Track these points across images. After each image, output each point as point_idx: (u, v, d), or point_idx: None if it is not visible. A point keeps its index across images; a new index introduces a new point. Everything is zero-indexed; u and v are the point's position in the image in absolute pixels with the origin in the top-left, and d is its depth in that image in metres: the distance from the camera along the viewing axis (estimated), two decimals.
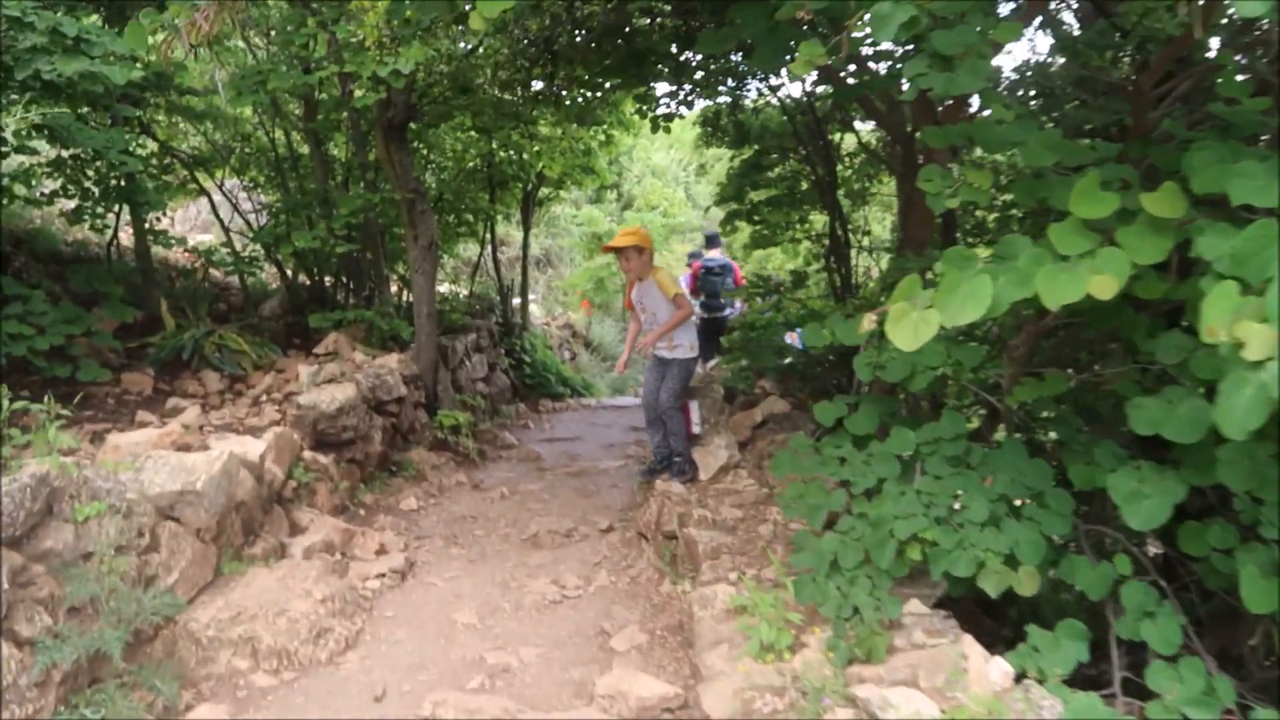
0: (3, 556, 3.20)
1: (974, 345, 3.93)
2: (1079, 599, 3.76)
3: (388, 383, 6.99)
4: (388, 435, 6.93)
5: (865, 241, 8.26)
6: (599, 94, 8.68)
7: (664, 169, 27.26)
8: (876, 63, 5.40)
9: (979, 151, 4.54)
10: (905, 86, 3.05)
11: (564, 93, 8.30)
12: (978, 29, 2.91)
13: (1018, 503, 3.45)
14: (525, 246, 12.33)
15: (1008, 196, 5.71)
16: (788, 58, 3.24)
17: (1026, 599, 3.33)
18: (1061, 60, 5.92)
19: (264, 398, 6.59)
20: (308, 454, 5.93)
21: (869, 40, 3.68)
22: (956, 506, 3.38)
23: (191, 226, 14.28)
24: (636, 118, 11.11)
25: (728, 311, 10.20)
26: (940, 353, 3.73)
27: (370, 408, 6.71)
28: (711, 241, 10.07)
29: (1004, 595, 3.25)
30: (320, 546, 5.13)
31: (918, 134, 5.49)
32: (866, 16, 2.76)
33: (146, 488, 4.17)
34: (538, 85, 8.50)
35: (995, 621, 4.61)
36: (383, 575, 4.94)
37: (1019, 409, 3.99)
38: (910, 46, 4.12)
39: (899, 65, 4.97)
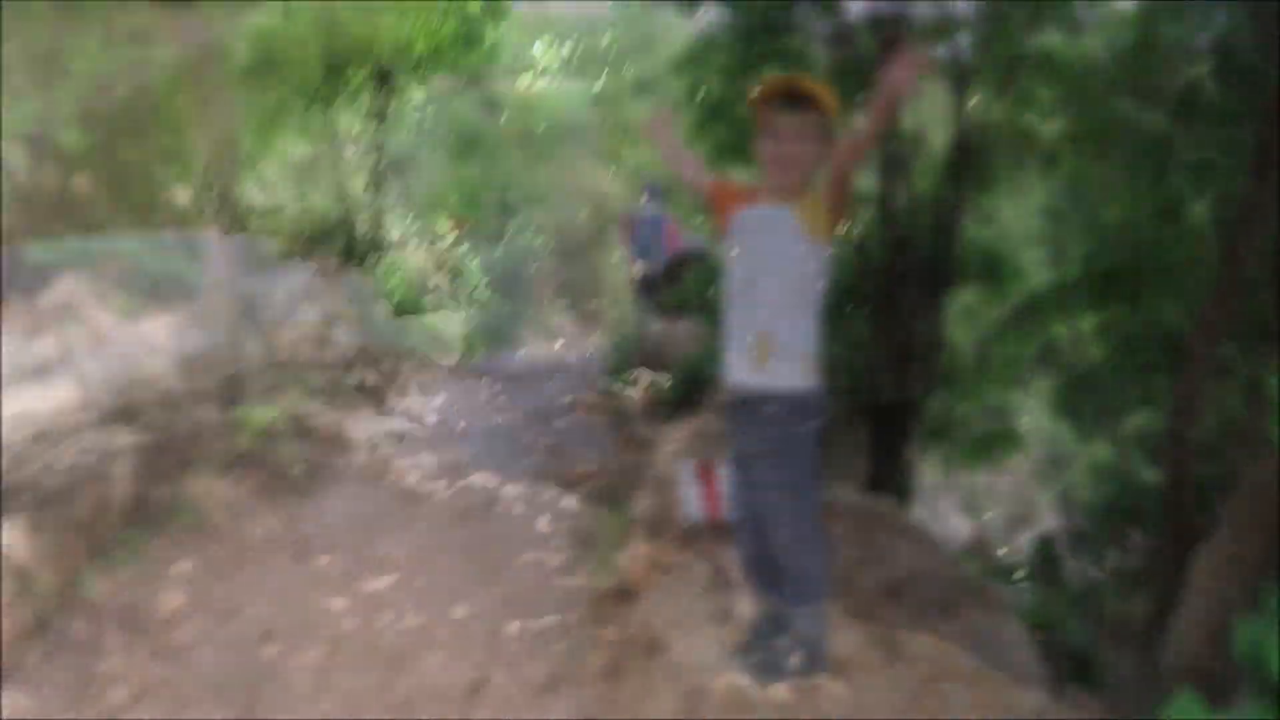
0: None
1: None
2: None
3: (149, 370, 4.19)
4: (145, 463, 4.15)
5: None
6: None
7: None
8: None
9: None
10: None
11: None
12: None
13: None
14: (379, 145, 9.35)
15: None
16: None
17: None
18: None
19: None
20: None
21: None
22: None
23: None
24: None
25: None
26: None
27: (112, 421, 3.93)
28: (651, 193, 9.15)
29: None
30: None
31: None
32: None
33: None
34: None
35: None
36: None
37: None
38: None
39: None
